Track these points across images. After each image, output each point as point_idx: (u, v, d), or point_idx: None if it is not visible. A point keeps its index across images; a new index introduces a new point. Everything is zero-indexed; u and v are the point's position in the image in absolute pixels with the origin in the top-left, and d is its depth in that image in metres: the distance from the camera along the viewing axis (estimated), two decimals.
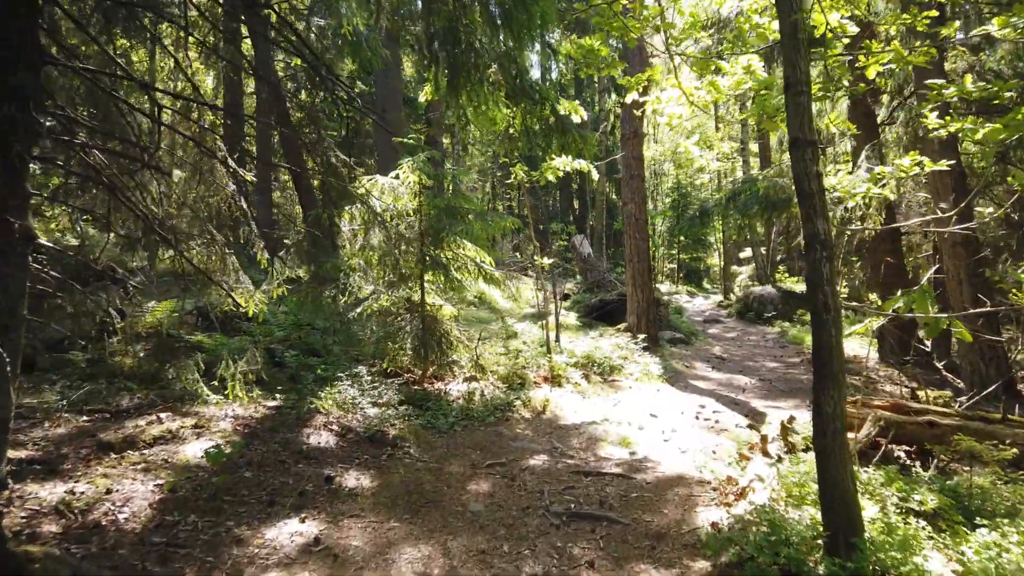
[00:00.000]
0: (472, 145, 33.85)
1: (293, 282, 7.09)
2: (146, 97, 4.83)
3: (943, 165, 4.32)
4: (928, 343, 11.55)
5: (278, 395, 6.20)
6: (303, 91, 16.16)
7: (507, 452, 5.72)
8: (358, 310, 7.47)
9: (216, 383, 5.78)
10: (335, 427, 5.54)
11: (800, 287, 17.76)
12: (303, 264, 6.35)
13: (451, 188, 10.66)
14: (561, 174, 9.15)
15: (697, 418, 7.33)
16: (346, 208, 6.71)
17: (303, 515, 3.97)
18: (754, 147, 24.48)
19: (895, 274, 10.28)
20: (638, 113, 7.31)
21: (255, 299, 5.91)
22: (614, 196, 28.15)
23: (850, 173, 8.56)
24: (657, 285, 34.74)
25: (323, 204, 6.80)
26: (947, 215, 4.76)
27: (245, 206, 6.20)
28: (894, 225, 8.70)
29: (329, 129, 19.82)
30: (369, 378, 7.06)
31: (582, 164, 9.07)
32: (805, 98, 3.44)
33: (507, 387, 7.76)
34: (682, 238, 38.25)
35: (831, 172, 8.05)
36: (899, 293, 4.05)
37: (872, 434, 5.64)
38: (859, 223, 9.67)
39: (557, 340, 10.21)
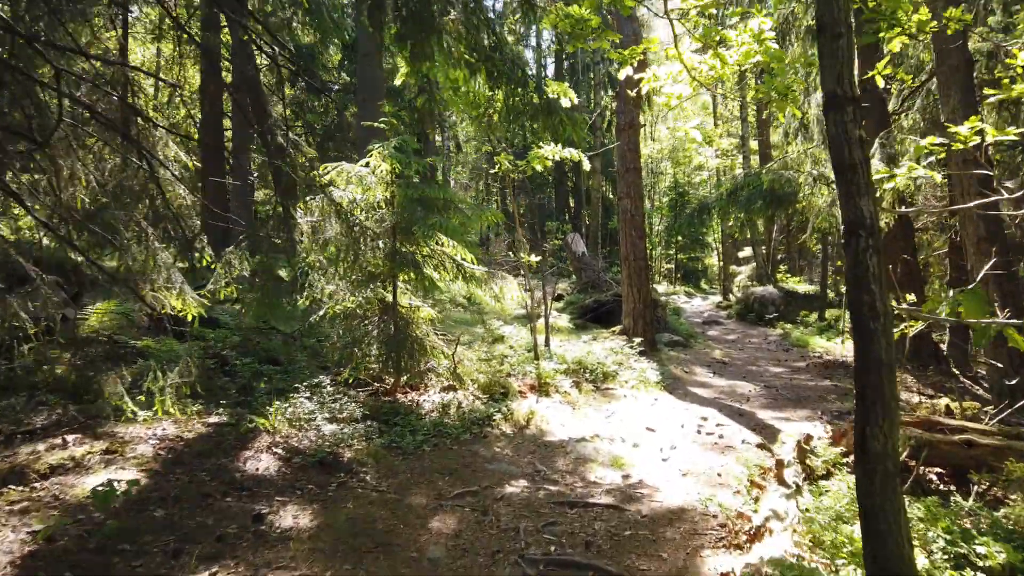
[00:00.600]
0: (466, 143, 33.10)
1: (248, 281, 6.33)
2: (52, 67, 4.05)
3: (1011, 134, 3.54)
4: (944, 346, 10.83)
5: (221, 410, 5.43)
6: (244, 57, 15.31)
7: (481, 477, 4.95)
8: (320, 312, 6.70)
9: (143, 398, 5.00)
10: (280, 449, 4.76)
11: (803, 288, 17.06)
12: (251, 260, 5.57)
13: (439, 178, 9.91)
14: (550, 163, 8.39)
15: (699, 432, 6.57)
16: (308, 199, 5.95)
17: (215, 570, 3.20)
18: (754, 144, 23.77)
19: (908, 273, 9.54)
20: (632, 93, 6.55)
21: (192, 301, 5.14)
22: (610, 194, 27.41)
23: None
24: (654, 285, 34.14)
25: (276, 193, 6.04)
26: (1014, 195, 3.98)
27: (188, 196, 5.45)
28: (952, 207, 7.80)
29: (315, 124, 19.01)
30: (332, 389, 6.28)
31: (572, 153, 8.31)
32: (844, 42, 2.67)
33: (488, 398, 7.00)
34: (679, 238, 37.58)
35: None
36: (949, 294, 3.29)
37: (902, 455, 4.90)
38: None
39: (547, 344, 9.45)
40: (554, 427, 6.47)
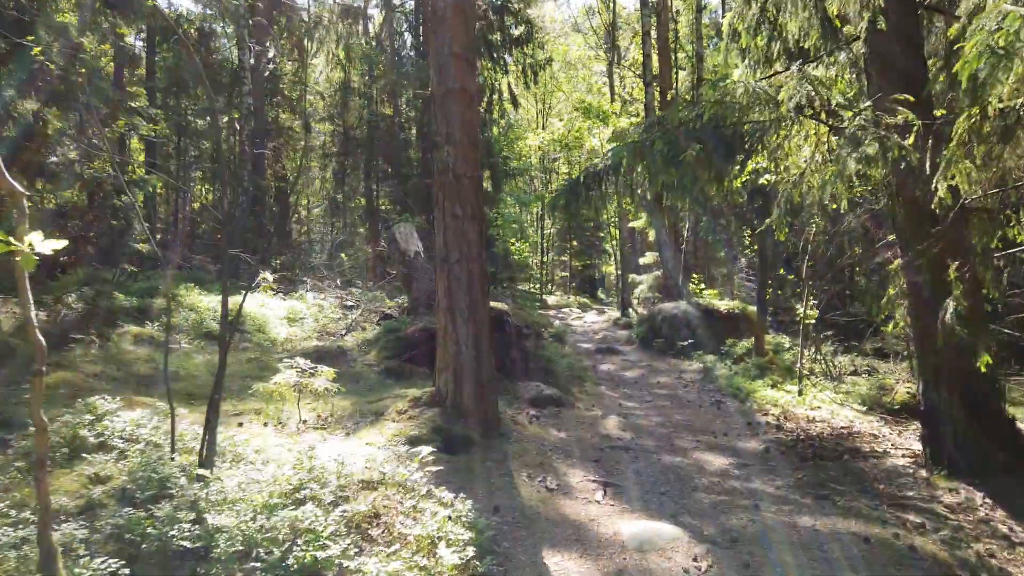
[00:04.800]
0: None
1: None
2: None
3: None
4: None
5: None
6: None
7: None
8: None
9: None
10: None
11: (724, 304, 12.77)
12: None
13: None
14: None
15: None
16: None
17: None
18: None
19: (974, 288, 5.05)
20: None
21: None
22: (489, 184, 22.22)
23: None
24: (546, 297, 29.64)
25: None
26: None
27: None
28: None
29: None
30: None
31: None
32: None
33: None
34: (575, 243, 33.50)
35: None
36: None
37: None
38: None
39: (205, 454, 4.03)
40: None
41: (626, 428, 6.91)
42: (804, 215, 8.03)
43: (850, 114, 4.85)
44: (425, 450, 4.02)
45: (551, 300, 28.70)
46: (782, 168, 5.51)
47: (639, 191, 7.12)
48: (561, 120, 24.98)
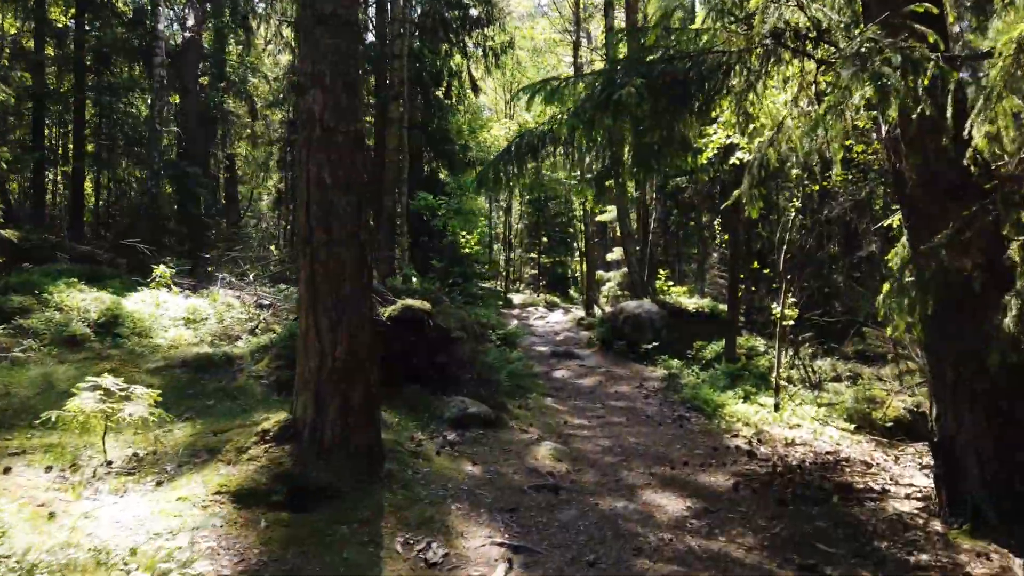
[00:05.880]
0: None
1: None
2: None
3: None
4: None
5: None
6: None
7: None
8: None
9: None
10: None
11: (692, 302, 11.49)
12: None
13: None
14: None
15: None
16: None
17: None
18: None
19: (994, 285, 3.77)
20: None
21: None
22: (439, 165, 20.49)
23: None
24: (511, 296, 28.23)
25: None
26: None
27: None
28: None
29: None
30: None
31: None
32: None
33: None
34: (545, 239, 32.10)
35: None
36: None
37: None
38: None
39: None
40: None
41: (564, 457, 5.53)
42: (780, 186, 6.73)
43: (846, 43, 3.52)
44: (315, 466, 2.58)
45: (517, 299, 27.26)
46: (753, 125, 4.17)
47: (587, 159, 5.75)
48: (529, 112, 23.58)
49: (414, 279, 11.57)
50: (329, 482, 3.75)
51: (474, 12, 20.60)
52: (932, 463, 5.49)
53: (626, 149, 5.63)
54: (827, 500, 4.47)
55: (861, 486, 4.81)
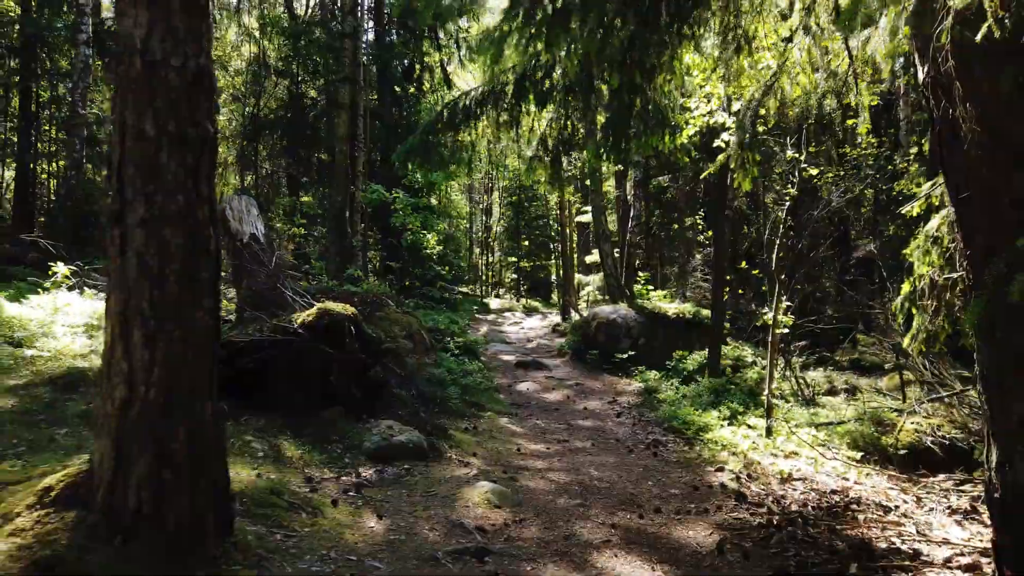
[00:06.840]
0: None
1: None
2: None
3: None
4: None
5: None
6: None
7: None
8: None
9: None
10: None
11: (673, 307, 10.38)
12: None
13: None
14: None
15: None
16: None
17: None
18: None
19: None
20: None
21: None
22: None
23: None
24: (489, 300, 27.09)
25: None
26: None
27: None
28: None
29: None
30: None
31: None
32: None
33: None
34: (527, 242, 30.96)
35: None
36: None
37: None
38: None
39: None
40: None
41: (504, 502, 4.34)
42: (766, 185, 5.66)
43: None
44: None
45: (495, 304, 26.10)
46: (746, 62, 3.05)
47: (535, 125, 4.61)
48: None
49: (363, 282, 10.35)
50: (125, 575, 2.54)
51: (446, 1, 19.50)
52: (967, 506, 4.40)
53: (600, 120, 4.57)
54: (845, 570, 3.33)
55: (883, 544, 3.69)
